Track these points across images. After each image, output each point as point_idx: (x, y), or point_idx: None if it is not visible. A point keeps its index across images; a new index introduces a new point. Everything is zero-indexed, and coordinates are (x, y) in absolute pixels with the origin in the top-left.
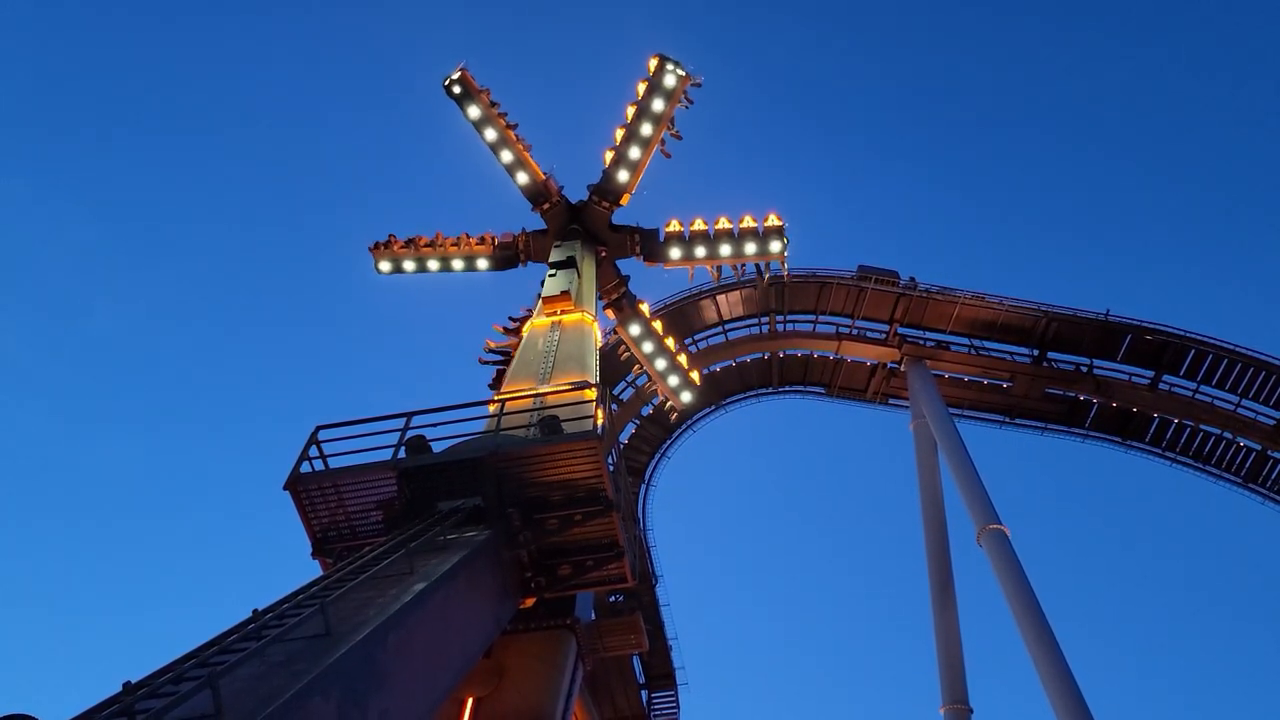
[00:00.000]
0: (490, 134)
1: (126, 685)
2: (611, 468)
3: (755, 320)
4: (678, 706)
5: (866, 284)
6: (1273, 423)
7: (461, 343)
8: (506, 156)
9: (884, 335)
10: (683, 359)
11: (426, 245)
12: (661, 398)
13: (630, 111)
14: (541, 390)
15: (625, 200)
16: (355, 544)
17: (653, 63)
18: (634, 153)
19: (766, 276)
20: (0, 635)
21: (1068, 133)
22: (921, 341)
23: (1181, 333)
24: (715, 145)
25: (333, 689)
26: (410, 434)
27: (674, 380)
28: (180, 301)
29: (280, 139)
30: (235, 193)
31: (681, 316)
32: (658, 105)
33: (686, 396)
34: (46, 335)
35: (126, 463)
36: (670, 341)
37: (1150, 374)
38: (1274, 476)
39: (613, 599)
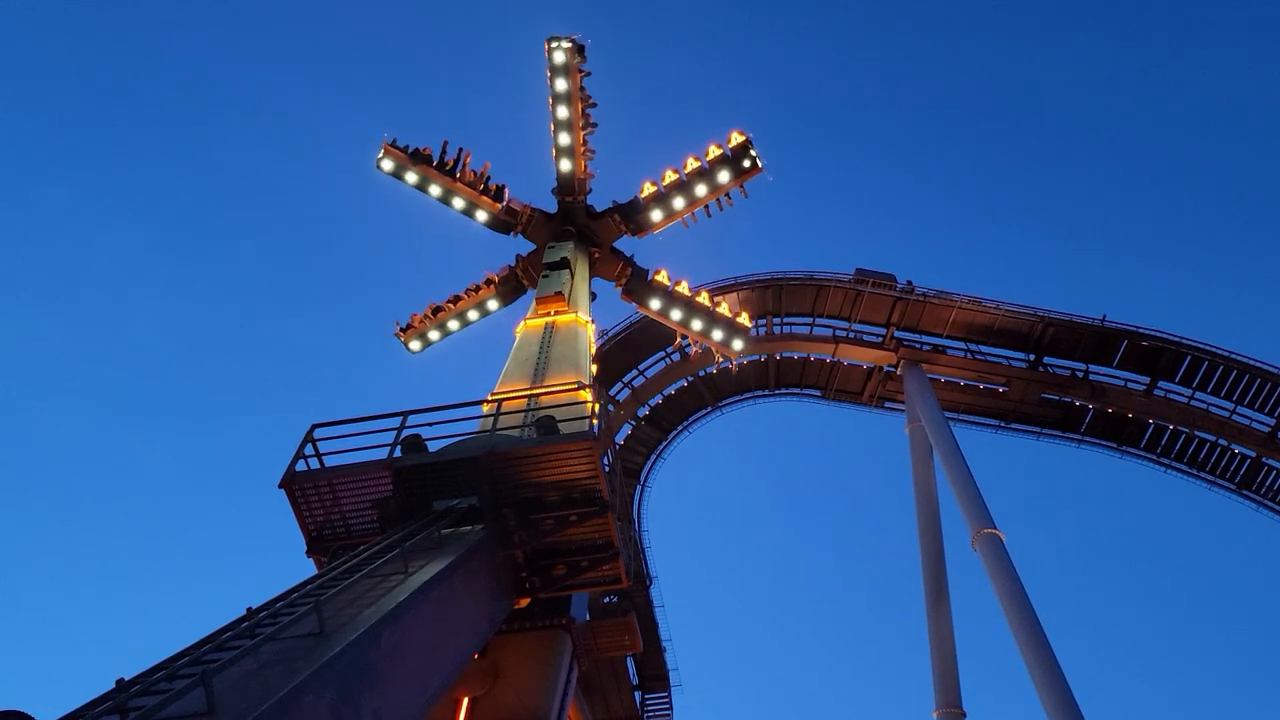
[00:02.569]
0: (434, 190)
1: (120, 682)
2: (607, 468)
3: (752, 323)
4: (671, 708)
5: (863, 287)
6: (1267, 429)
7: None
8: (458, 204)
9: (880, 338)
10: (724, 308)
11: (441, 311)
12: (715, 358)
13: (549, 102)
14: (537, 390)
15: (584, 186)
16: (350, 543)
17: (545, 48)
18: (564, 139)
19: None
20: (33, 633)
21: (1065, 136)
22: (918, 345)
23: (1177, 339)
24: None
25: (326, 688)
26: (406, 433)
27: (719, 334)
28: (219, 303)
29: (313, 135)
30: (274, 195)
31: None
32: (560, 85)
33: (738, 344)
34: (87, 337)
35: (165, 463)
36: (704, 297)
37: (1146, 380)
38: (1267, 483)
39: (607, 600)
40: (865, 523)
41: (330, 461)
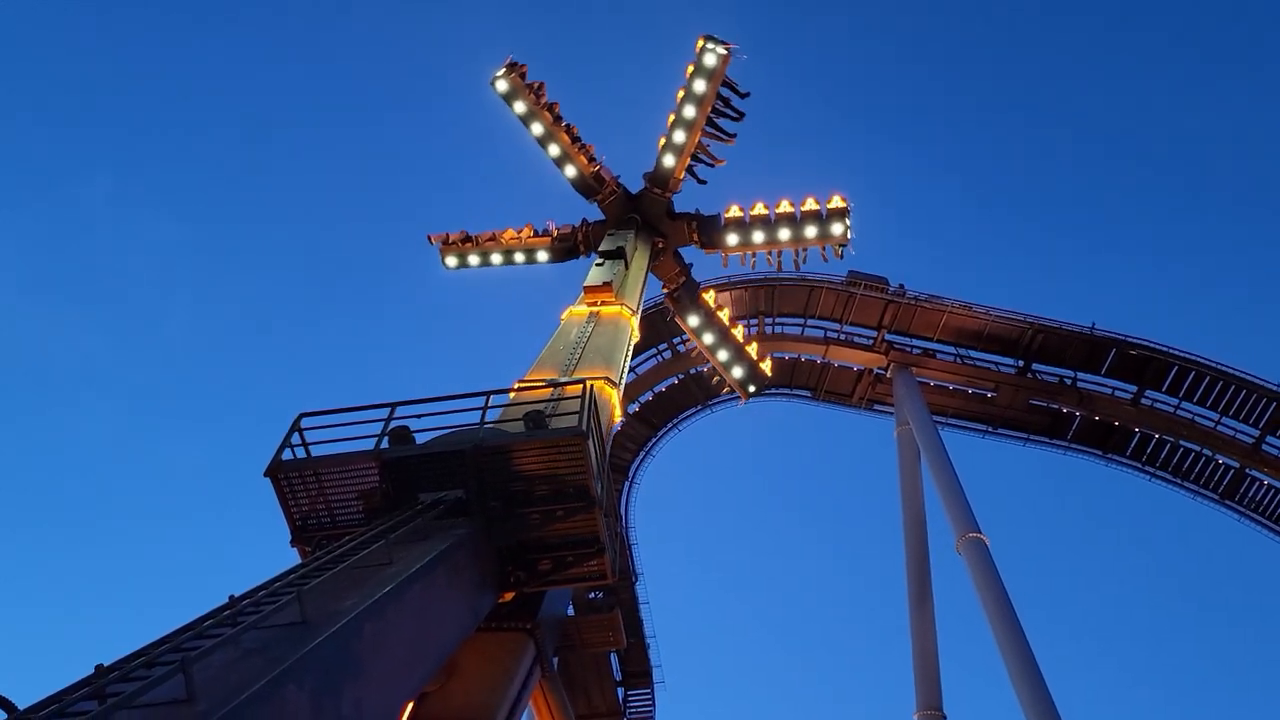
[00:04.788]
0: (536, 129)
1: (99, 668)
2: (595, 464)
3: (745, 321)
4: (653, 705)
5: (856, 289)
6: (1251, 441)
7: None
8: (554, 150)
9: (872, 341)
10: (752, 349)
11: (489, 240)
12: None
13: (679, 96)
14: (527, 384)
15: (677, 186)
16: (335, 533)
17: (698, 44)
18: (678, 136)
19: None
20: (71, 628)
21: (1060, 138)
22: (908, 348)
23: (1165, 348)
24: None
25: (307, 677)
26: (394, 425)
27: (738, 372)
28: (254, 307)
29: (349, 137)
30: (310, 196)
31: (666, 316)
32: (699, 86)
33: (752, 388)
34: (123, 335)
35: (194, 462)
36: (738, 331)
37: (1133, 389)
38: (1251, 494)
39: (592, 595)
40: (852, 524)
41: (317, 451)
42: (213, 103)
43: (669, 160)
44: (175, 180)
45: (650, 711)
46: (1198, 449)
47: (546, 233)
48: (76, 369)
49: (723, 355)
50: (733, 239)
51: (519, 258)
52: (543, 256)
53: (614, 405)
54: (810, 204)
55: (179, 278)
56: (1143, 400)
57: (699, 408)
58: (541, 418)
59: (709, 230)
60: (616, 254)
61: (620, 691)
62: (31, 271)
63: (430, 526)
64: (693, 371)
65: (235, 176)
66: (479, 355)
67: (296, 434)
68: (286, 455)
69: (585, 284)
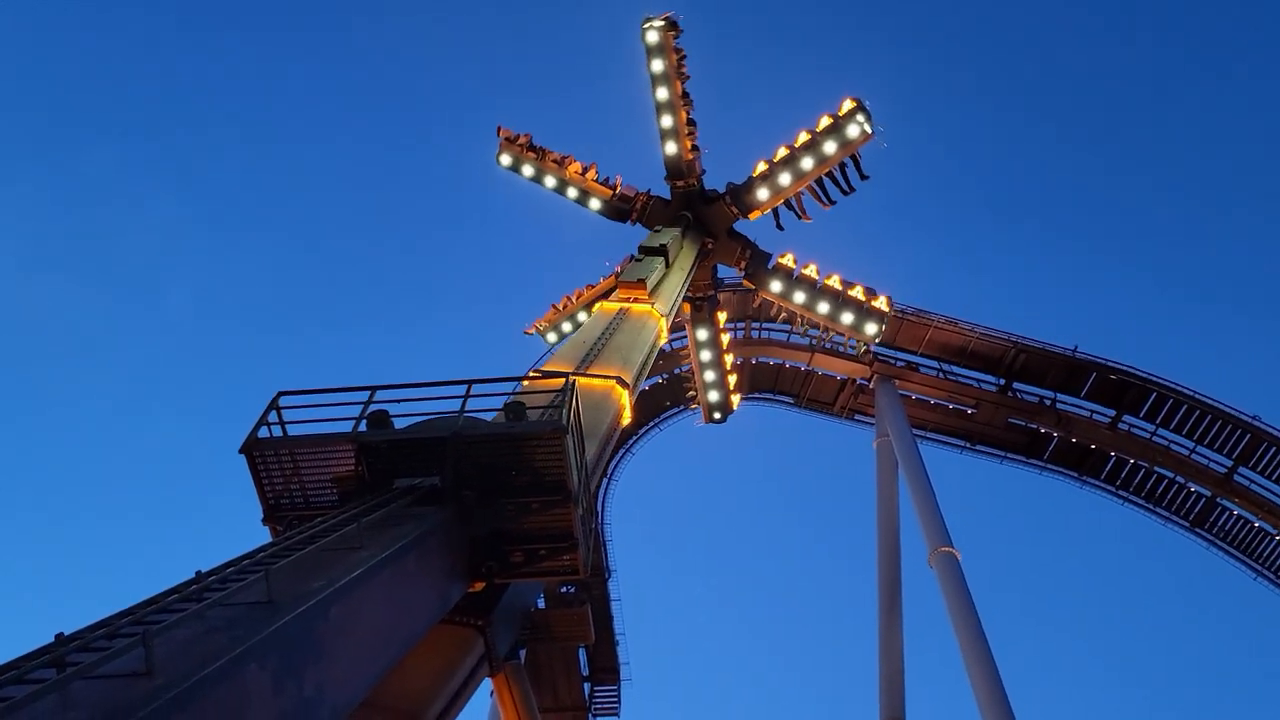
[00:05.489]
0: (662, 93)
1: (59, 637)
2: (574, 460)
3: (731, 325)
4: (619, 702)
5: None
6: (1224, 471)
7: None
8: (571, 193)
9: (856, 351)
10: (731, 380)
11: (554, 160)
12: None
13: (801, 138)
14: (519, 376)
15: (754, 216)
16: (307, 514)
17: (846, 105)
18: (784, 179)
19: (867, 355)
20: (56, 597)
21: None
22: (892, 361)
23: (1144, 375)
24: None
25: (269, 657)
26: (374, 408)
27: (714, 395)
28: (256, 286)
29: (362, 120)
30: (321, 178)
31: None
32: (829, 147)
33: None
34: (119, 311)
35: (182, 443)
36: (728, 359)
37: (1111, 413)
38: (1220, 523)
39: (564, 589)
40: (828, 532)
41: (295, 432)
42: (222, 73)
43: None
44: (180, 152)
45: (616, 708)
46: (1171, 476)
47: (609, 184)
48: (73, 341)
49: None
50: (776, 286)
51: (571, 193)
52: (594, 205)
53: (623, 407)
54: (858, 291)
55: (181, 252)
56: (1120, 425)
57: (681, 407)
58: (522, 409)
59: (757, 265)
60: (656, 250)
61: (587, 687)
62: (30, 240)
63: (404, 513)
64: (677, 371)
65: (243, 151)
66: (480, 343)
67: (274, 412)
68: (263, 433)
69: (620, 278)
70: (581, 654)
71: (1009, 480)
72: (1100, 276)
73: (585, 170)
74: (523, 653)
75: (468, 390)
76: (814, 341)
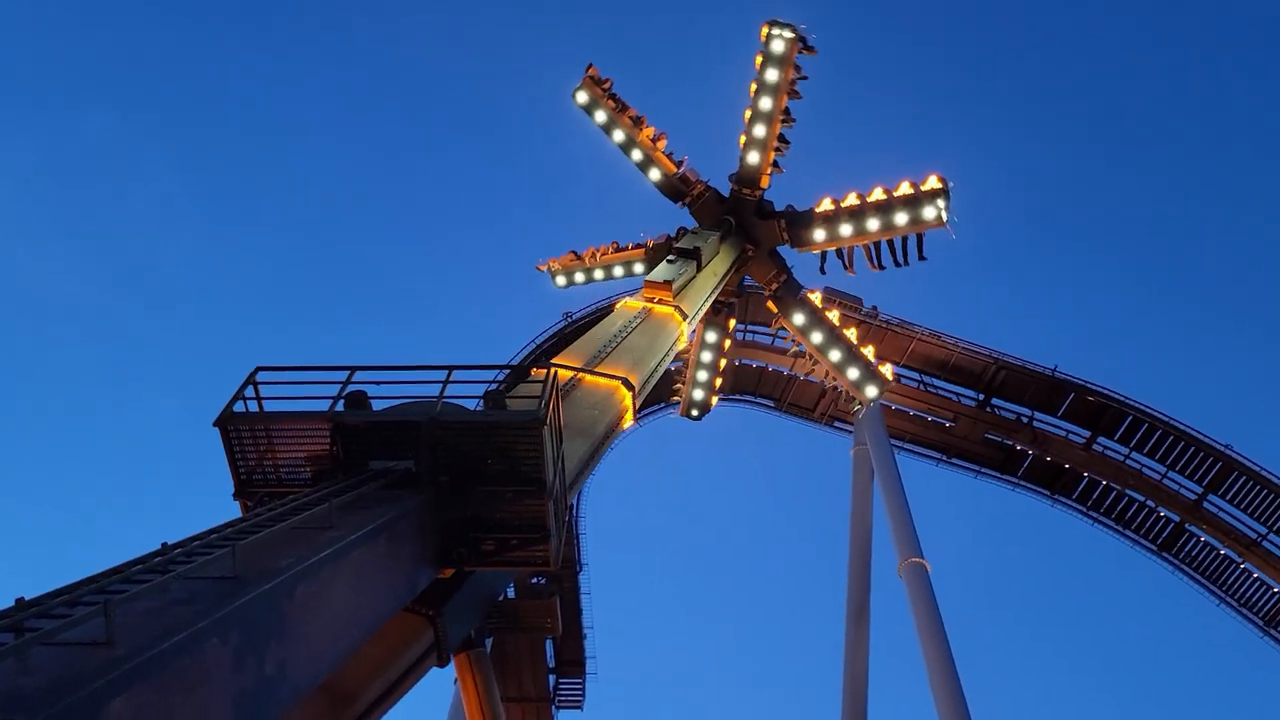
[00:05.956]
0: (618, 136)
1: (19, 601)
2: (551, 452)
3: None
4: (583, 695)
5: (830, 308)
6: (1194, 497)
7: None
8: (636, 155)
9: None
10: (868, 350)
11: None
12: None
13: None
14: (502, 365)
15: (764, 182)
16: (279, 491)
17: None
18: (759, 130)
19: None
20: (34, 561)
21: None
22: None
23: (1121, 398)
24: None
25: (232, 633)
26: (352, 389)
27: (854, 373)
28: (247, 273)
29: (377, 105)
30: (329, 160)
31: None
32: (771, 75)
33: (872, 391)
34: (109, 279)
35: (165, 420)
36: (852, 332)
37: (1087, 433)
38: (1186, 549)
39: (535, 580)
40: (802, 535)
41: (271, 408)
42: (227, 52)
43: (753, 157)
44: (182, 119)
45: (580, 701)
46: (1142, 499)
47: (640, 245)
48: (62, 306)
49: (835, 356)
50: (819, 235)
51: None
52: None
53: (625, 409)
54: (904, 187)
55: (177, 230)
56: (1095, 446)
57: (662, 405)
58: (501, 398)
59: (797, 227)
60: (690, 253)
61: (552, 679)
62: (24, 202)
63: (377, 495)
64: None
65: (248, 129)
66: (458, 336)
67: (251, 387)
68: (239, 408)
69: (646, 278)
70: (549, 646)
71: (983, 495)
72: (1084, 296)
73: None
74: (489, 641)
75: (448, 375)
76: (796, 345)
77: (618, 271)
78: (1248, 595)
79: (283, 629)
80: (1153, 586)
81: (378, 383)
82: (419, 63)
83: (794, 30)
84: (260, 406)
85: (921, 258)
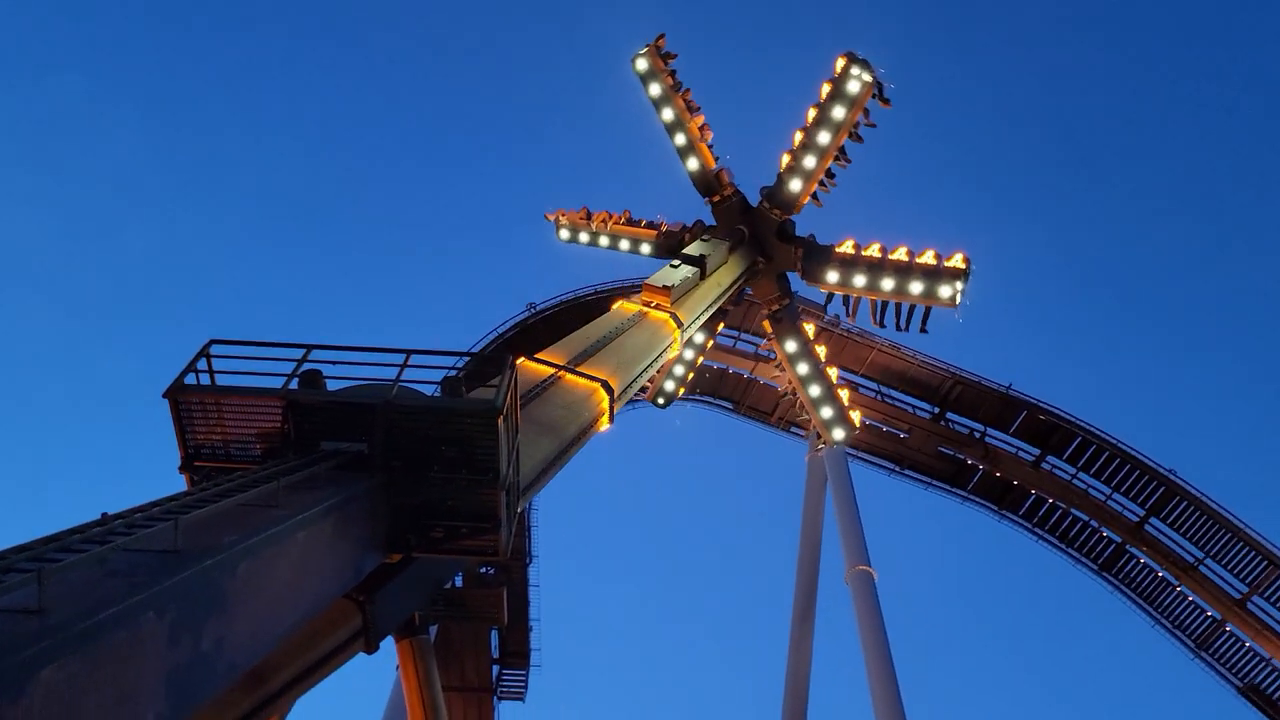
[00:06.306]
0: (668, 114)
1: None
2: (506, 442)
3: None
4: (526, 687)
5: (755, 300)
6: (1136, 519)
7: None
8: (680, 140)
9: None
10: (843, 393)
11: (601, 220)
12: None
13: (810, 114)
14: (462, 352)
15: (798, 209)
16: (227, 467)
17: (839, 63)
18: (808, 161)
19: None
20: None
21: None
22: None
23: (1071, 418)
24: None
25: (169, 607)
26: (307, 367)
27: (827, 412)
28: (214, 240)
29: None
30: (304, 122)
31: (603, 308)
32: (838, 113)
33: (839, 434)
34: (71, 242)
35: (119, 385)
36: (833, 371)
37: (1037, 452)
38: (1126, 570)
39: (484, 570)
40: (755, 539)
41: (223, 382)
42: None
43: (795, 184)
44: (152, 84)
45: (522, 693)
46: (1086, 519)
47: (654, 226)
48: (19, 264)
49: (814, 390)
50: (832, 276)
51: (623, 245)
52: (645, 249)
53: (602, 412)
54: (928, 257)
55: (144, 193)
56: (1044, 464)
57: (628, 402)
58: (459, 385)
59: (814, 260)
60: (694, 261)
61: (496, 669)
62: None
63: (327, 476)
64: None
65: (220, 90)
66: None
67: (204, 359)
68: (190, 380)
69: (646, 281)
70: (494, 636)
71: (933, 506)
72: (1041, 318)
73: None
74: (434, 629)
75: (405, 359)
76: (758, 350)
77: (623, 245)
78: (1182, 617)
79: (222, 606)
80: (1093, 604)
81: (334, 363)
82: (381, 33)
83: (873, 74)
84: (212, 380)
85: (923, 330)
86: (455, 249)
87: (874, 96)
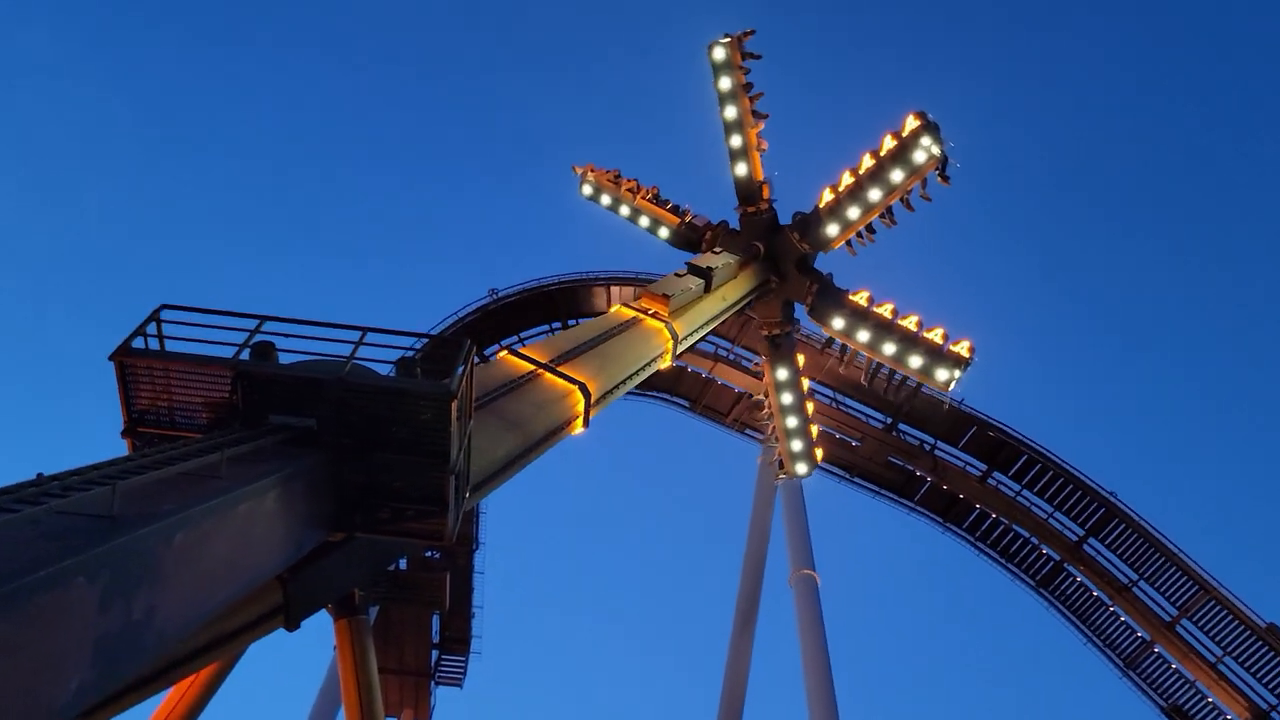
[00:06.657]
0: (730, 112)
1: None
2: (457, 426)
3: None
4: (464, 673)
5: (754, 316)
6: (1075, 539)
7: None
8: (735, 141)
9: (757, 367)
10: (814, 429)
11: (628, 189)
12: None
13: (866, 161)
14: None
15: (828, 250)
16: (171, 435)
17: (909, 122)
18: (852, 212)
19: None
20: None
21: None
22: None
23: (1019, 436)
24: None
25: (101, 573)
26: (259, 339)
27: (797, 445)
28: (180, 199)
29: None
30: (282, 108)
31: (567, 300)
32: (896, 176)
33: (802, 469)
34: (29, 207)
35: (75, 344)
36: (810, 406)
37: (984, 467)
38: (1063, 587)
39: (429, 554)
40: (703, 538)
41: (173, 348)
42: None
43: (832, 229)
44: (121, 42)
45: (460, 679)
46: (1027, 536)
47: (679, 212)
48: None
49: (791, 422)
50: (838, 323)
51: (643, 221)
52: (663, 233)
53: (576, 414)
54: (935, 335)
55: (107, 155)
56: (990, 479)
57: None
58: (413, 365)
59: (826, 300)
60: (699, 272)
61: (435, 654)
62: None
63: (273, 450)
64: None
65: (197, 57)
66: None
67: (154, 324)
68: (139, 344)
69: (648, 287)
70: (436, 621)
71: (880, 515)
72: (996, 335)
73: (658, 199)
74: (375, 610)
75: (361, 337)
76: (718, 350)
77: (643, 222)
78: (1113, 637)
79: (155, 576)
80: (1029, 619)
81: (288, 335)
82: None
83: (942, 147)
84: (162, 345)
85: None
86: (437, 213)
87: (936, 169)
